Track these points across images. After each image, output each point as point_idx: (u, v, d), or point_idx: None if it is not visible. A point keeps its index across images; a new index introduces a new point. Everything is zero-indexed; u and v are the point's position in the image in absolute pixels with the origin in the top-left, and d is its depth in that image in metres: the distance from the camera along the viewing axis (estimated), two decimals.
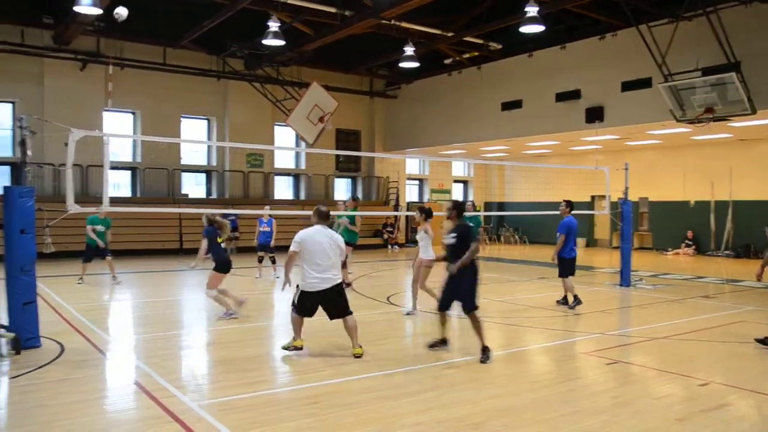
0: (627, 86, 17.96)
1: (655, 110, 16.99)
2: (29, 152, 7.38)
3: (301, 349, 7.14)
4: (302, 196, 25.60)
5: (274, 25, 16.35)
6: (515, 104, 21.40)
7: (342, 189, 27.41)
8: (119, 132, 21.23)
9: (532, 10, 14.49)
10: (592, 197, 24.23)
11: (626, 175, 13.96)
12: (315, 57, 21.88)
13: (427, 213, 9.80)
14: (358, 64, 24.16)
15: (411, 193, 29.51)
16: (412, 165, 29.54)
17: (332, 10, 17.61)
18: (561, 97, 19.83)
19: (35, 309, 7.38)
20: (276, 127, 24.35)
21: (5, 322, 7.23)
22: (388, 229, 25.32)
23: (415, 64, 19.77)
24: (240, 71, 22.58)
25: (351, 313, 7.15)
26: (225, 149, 23.42)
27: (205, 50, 21.45)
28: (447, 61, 23.40)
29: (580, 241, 22.48)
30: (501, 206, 29.08)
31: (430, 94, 24.75)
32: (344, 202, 13.91)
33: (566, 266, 10.76)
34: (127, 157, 22.07)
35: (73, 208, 7.75)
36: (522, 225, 28.77)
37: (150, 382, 6.07)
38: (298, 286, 7.09)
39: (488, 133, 22.40)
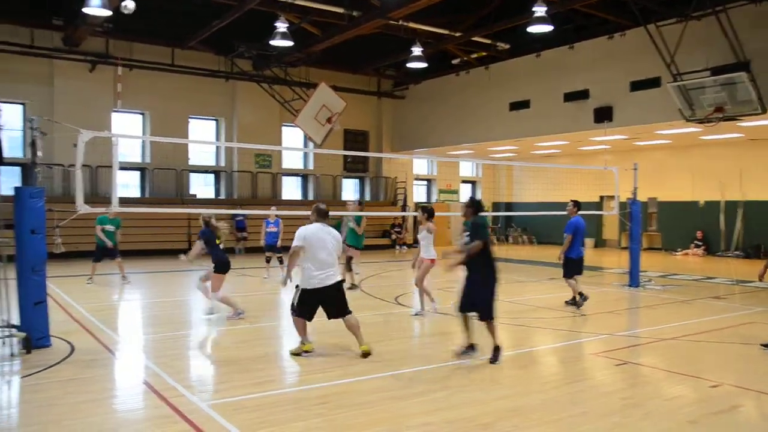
0: (636, 86, 17.86)
1: (664, 110, 16.88)
2: (39, 153, 7.42)
3: (311, 352, 7.11)
4: (310, 197, 25.58)
5: (282, 26, 16.38)
6: (523, 104, 21.33)
7: (350, 189, 27.42)
8: (128, 133, 21.36)
9: (540, 10, 14.44)
10: (601, 197, 24.12)
11: (635, 175, 13.92)
12: (323, 57, 21.92)
13: (429, 212, 9.79)
14: (366, 64, 24.17)
15: (419, 194, 29.48)
16: (420, 165, 29.52)
17: (340, 10, 17.62)
18: (569, 97, 19.74)
19: (46, 309, 7.43)
20: (284, 128, 24.39)
21: (16, 321, 7.27)
22: (396, 229, 25.29)
23: (422, 65, 19.79)
24: (248, 72, 22.63)
25: (350, 312, 7.11)
26: (233, 150, 23.46)
27: (214, 51, 21.52)
28: (455, 62, 23.35)
29: (589, 242, 22.42)
30: (509, 206, 29.01)
31: (438, 95, 24.72)
32: (353, 201, 13.99)
33: (571, 267, 10.70)
34: (136, 158, 22.18)
35: (82, 208, 7.80)
36: (530, 225, 28.68)
37: (159, 382, 6.10)
38: (297, 286, 7.06)
39: (496, 133, 22.34)
